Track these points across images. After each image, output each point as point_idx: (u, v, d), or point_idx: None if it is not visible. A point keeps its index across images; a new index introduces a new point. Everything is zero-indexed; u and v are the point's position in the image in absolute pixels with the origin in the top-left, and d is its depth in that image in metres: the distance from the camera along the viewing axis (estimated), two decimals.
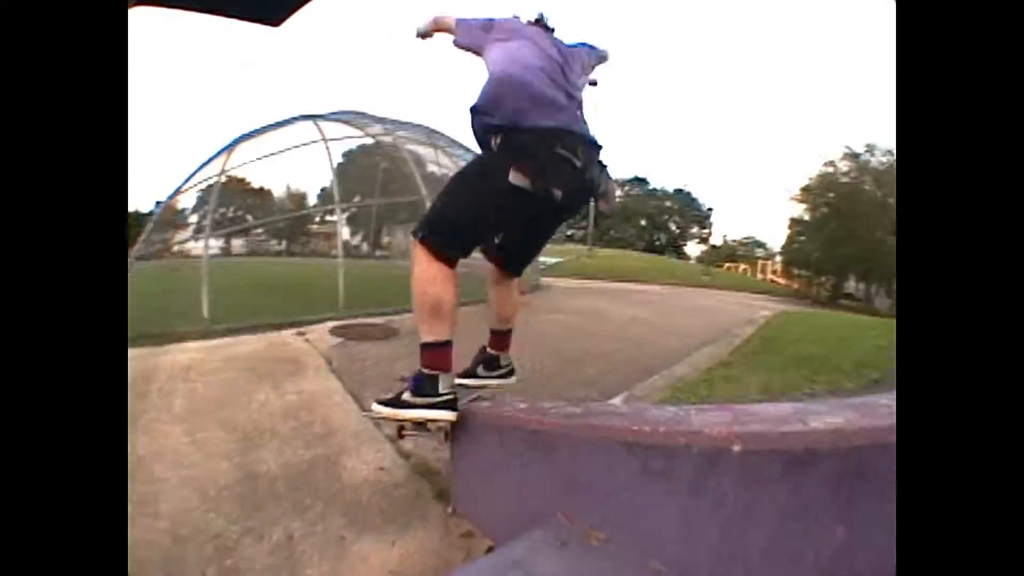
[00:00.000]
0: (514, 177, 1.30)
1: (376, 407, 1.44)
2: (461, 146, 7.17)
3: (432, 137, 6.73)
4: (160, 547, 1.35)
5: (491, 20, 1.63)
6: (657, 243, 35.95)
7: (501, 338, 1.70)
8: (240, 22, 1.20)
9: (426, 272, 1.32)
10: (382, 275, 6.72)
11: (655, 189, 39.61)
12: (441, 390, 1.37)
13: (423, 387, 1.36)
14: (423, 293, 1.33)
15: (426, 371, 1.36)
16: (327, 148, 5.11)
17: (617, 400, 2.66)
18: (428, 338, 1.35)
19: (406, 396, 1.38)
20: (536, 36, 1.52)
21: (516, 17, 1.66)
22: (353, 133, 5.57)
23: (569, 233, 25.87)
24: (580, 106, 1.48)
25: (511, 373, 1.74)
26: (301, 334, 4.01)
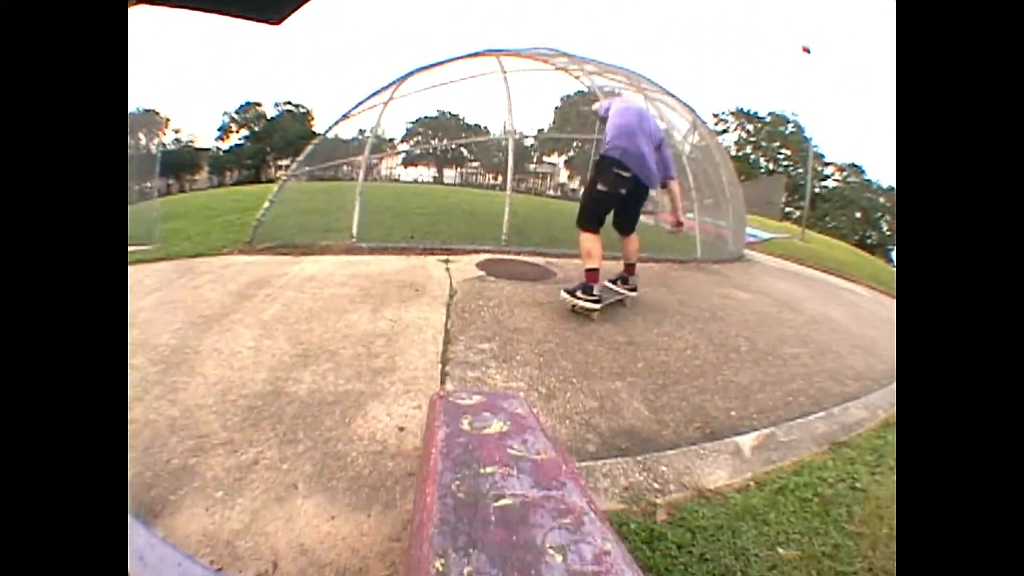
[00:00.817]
0: (600, 186, 2.92)
1: (563, 292, 2.98)
2: (667, 92, 6.27)
3: (634, 80, 5.95)
4: (154, 429, 1.51)
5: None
6: (868, 240, 31.70)
7: (629, 267, 3.29)
8: (240, 20, 1.15)
9: (582, 237, 2.92)
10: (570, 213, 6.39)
11: (870, 180, 34.27)
12: (594, 293, 2.89)
13: (586, 289, 2.88)
14: (582, 246, 2.93)
15: (587, 283, 2.88)
16: (506, 82, 4.96)
17: (746, 441, 1.89)
18: (587, 267, 2.89)
19: (578, 293, 2.90)
20: (639, 112, 3.10)
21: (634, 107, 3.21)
22: (543, 67, 5.30)
23: (787, 211, 23.74)
24: (637, 147, 2.88)
25: (634, 290, 3.31)
26: (445, 262, 3.96)
